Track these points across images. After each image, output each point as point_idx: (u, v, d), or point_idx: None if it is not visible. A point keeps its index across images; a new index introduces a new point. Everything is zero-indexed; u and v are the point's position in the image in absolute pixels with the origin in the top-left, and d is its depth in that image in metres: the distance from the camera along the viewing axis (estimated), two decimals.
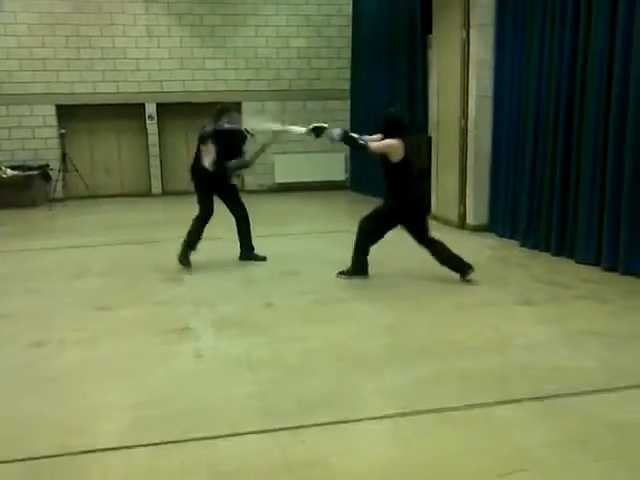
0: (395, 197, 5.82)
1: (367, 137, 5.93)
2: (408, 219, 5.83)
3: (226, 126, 6.45)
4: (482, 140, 8.21)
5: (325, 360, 4.02)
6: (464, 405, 3.33)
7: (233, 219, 6.88)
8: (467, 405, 3.33)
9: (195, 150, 6.71)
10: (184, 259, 6.48)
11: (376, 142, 5.73)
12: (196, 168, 6.60)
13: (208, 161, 6.44)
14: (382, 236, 5.92)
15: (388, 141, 5.65)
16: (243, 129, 6.66)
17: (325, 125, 5.90)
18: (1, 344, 4.47)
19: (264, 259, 6.86)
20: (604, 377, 3.67)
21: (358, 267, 5.96)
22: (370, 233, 5.89)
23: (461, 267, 5.78)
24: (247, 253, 6.91)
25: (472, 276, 5.76)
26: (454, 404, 3.35)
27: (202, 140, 6.50)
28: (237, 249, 6.91)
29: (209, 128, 6.51)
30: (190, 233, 6.53)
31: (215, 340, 4.44)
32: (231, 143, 6.54)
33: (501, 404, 3.34)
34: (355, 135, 5.96)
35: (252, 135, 6.69)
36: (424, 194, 6.12)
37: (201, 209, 6.61)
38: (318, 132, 5.87)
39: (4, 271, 6.78)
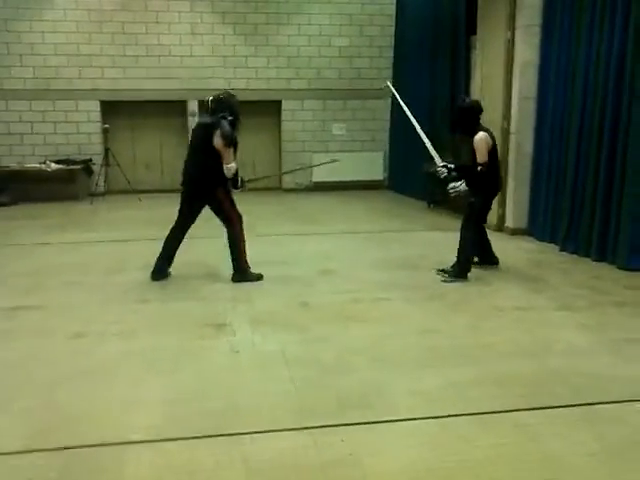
0: (483, 192, 6.01)
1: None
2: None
3: (227, 121, 5.67)
4: (524, 142, 8.10)
5: (361, 360, 4.02)
6: (499, 410, 3.30)
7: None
8: (502, 410, 3.30)
9: (194, 151, 5.95)
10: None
11: (478, 156, 5.87)
12: (204, 173, 5.81)
13: (232, 165, 5.76)
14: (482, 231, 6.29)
15: (481, 143, 5.84)
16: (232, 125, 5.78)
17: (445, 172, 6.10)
18: (42, 335, 4.58)
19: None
20: None
21: (465, 268, 5.99)
22: (474, 231, 6.09)
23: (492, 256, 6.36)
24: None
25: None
26: (489, 409, 3.32)
27: (229, 140, 5.65)
28: (272, 247, 6.90)
29: (227, 126, 5.66)
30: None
31: (251, 337, 4.48)
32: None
33: (537, 410, 3.31)
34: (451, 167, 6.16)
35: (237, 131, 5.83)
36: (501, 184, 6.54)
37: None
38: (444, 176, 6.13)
39: (46, 264, 6.94)
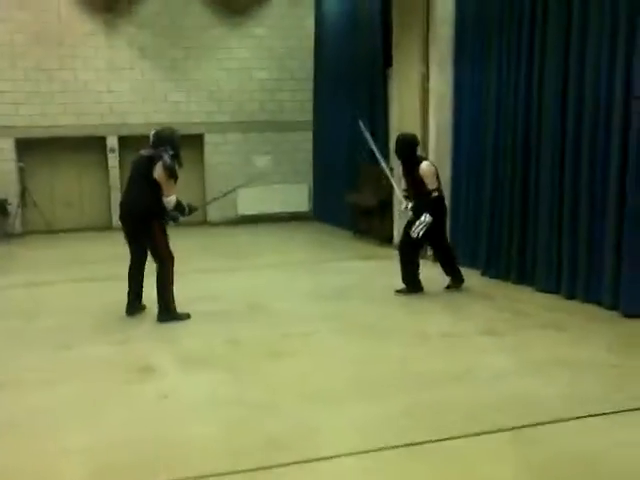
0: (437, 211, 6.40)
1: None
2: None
3: (169, 154, 5.65)
4: (441, 170, 8.21)
5: (291, 397, 3.99)
6: (433, 439, 3.33)
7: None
8: (435, 439, 3.33)
9: (134, 183, 5.88)
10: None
11: (428, 183, 6.26)
12: (143, 205, 5.75)
13: (172, 197, 5.74)
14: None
15: (429, 171, 6.30)
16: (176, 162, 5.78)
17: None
18: None
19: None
20: (569, 406, 3.71)
21: (413, 286, 6.47)
22: (416, 252, 6.57)
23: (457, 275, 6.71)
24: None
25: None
26: (422, 438, 3.34)
27: (170, 172, 5.63)
28: (200, 282, 6.81)
29: (168, 158, 5.63)
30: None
31: (179, 379, 4.38)
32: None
33: (469, 437, 3.35)
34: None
35: (180, 166, 5.80)
36: None
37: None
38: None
39: None
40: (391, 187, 6.79)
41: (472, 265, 7.72)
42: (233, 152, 13.84)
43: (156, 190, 5.68)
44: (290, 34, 13.94)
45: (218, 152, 13.79)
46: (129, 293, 6.02)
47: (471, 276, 7.41)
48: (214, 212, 13.44)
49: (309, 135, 13.89)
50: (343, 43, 11.82)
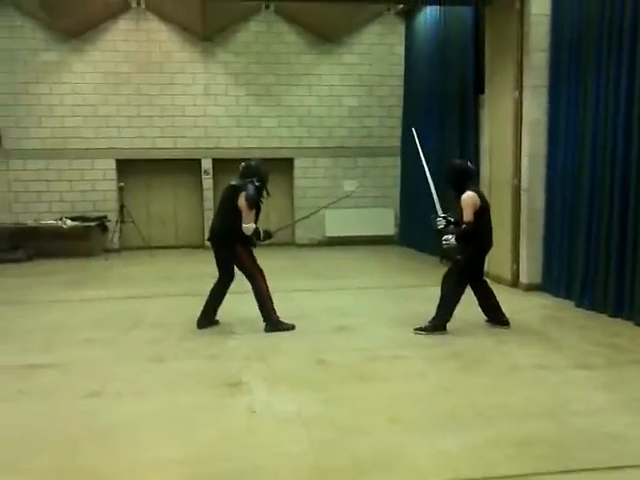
0: (469, 250, 6.04)
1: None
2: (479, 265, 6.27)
3: (254, 186, 6.13)
4: (535, 198, 8.16)
5: (379, 420, 3.97)
6: (519, 474, 3.24)
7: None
8: (522, 474, 3.24)
9: (222, 209, 6.37)
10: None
11: (464, 214, 5.94)
12: (228, 230, 6.22)
13: (250, 225, 6.14)
14: (466, 285, 6.15)
15: (467, 202, 5.90)
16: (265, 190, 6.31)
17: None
18: (58, 394, 4.57)
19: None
20: None
21: (440, 323, 6.07)
22: (457, 289, 6.06)
23: (500, 317, 6.28)
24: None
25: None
26: (508, 472, 3.26)
27: (251, 203, 6.09)
28: (287, 302, 6.90)
29: (252, 189, 6.11)
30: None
31: (268, 396, 4.45)
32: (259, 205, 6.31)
33: (557, 474, 3.24)
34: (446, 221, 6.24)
35: (269, 196, 6.36)
36: (491, 245, 6.32)
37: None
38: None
39: (61, 320, 6.97)
40: (434, 205, 6.58)
41: (567, 296, 7.50)
42: (322, 176, 14.08)
43: (238, 217, 6.14)
44: (380, 61, 14.11)
45: (307, 176, 14.06)
46: (205, 307, 6.42)
47: (565, 307, 7.21)
48: (301, 233, 13.69)
49: (397, 160, 13.94)
50: (434, 70, 11.84)
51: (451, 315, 6.09)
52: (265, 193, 6.32)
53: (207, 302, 6.44)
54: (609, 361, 5.17)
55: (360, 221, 13.87)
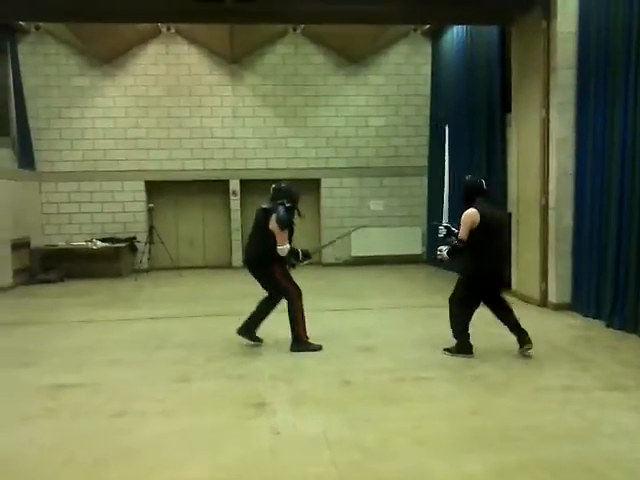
0: (468, 268, 5.92)
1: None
2: (483, 290, 5.94)
3: (284, 207, 6.18)
4: (563, 217, 8.08)
5: (404, 443, 3.94)
6: None
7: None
8: None
9: (255, 232, 6.47)
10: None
11: (461, 230, 5.80)
12: (262, 253, 6.30)
13: (285, 246, 6.20)
14: (472, 308, 5.95)
15: (464, 219, 5.76)
16: (297, 210, 6.40)
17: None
18: (86, 414, 4.64)
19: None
20: None
21: (461, 345, 5.95)
22: (459, 308, 5.94)
23: (521, 337, 5.89)
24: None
25: (530, 352, 5.85)
26: None
27: (282, 225, 6.14)
28: (313, 322, 6.90)
29: (282, 211, 6.17)
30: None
31: (292, 417, 4.44)
32: (292, 226, 6.38)
33: None
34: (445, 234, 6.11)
35: (300, 217, 6.43)
36: (500, 268, 6.06)
37: (291, 290, 6.37)
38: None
39: (90, 341, 7.06)
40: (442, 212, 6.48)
41: (596, 315, 7.38)
42: (348, 196, 14.12)
43: (271, 239, 6.21)
44: (406, 82, 14.17)
45: (334, 196, 14.11)
46: (250, 317, 6.48)
47: (595, 326, 7.09)
48: (328, 253, 13.70)
49: (424, 180, 13.93)
50: (460, 89, 11.85)
51: (466, 335, 5.94)
52: (297, 214, 6.41)
53: (252, 313, 6.50)
54: None
55: (387, 240, 13.84)
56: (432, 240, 13.51)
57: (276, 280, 6.35)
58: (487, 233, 5.74)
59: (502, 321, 6.00)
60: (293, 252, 6.34)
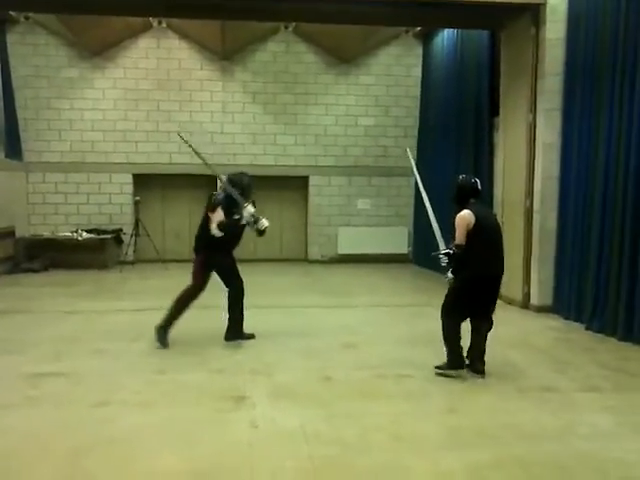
0: (462, 275, 5.38)
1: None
2: (479, 294, 5.39)
3: (233, 195, 6.20)
4: (547, 220, 8.17)
5: (382, 439, 3.98)
6: None
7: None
8: None
9: (203, 218, 6.44)
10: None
11: (456, 235, 5.34)
12: (197, 238, 6.49)
13: (216, 232, 6.11)
14: (466, 316, 5.45)
15: (458, 222, 5.33)
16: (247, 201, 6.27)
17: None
18: (65, 403, 4.64)
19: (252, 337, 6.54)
20: None
21: (453, 359, 5.38)
22: (450, 318, 5.42)
23: (476, 363, 5.45)
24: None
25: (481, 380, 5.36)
26: None
27: (211, 207, 6.23)
28: (296, 318, 6.94)
29: (219, 195, 6.38)
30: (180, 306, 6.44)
31: (271, 411, 4.47)
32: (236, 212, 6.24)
33: None
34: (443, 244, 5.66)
35: (255, 207, 6.29)
36: (496, 271, 5.48)
37: (195, 283, 6.46)
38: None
39: (73, 331, 7.05)
40: (430, 226, 5.98)
41: (577, 318, 7.48)
42: (336, 194, 14.14)
43: (208, 225, 6.21)
44: (396, 83, 14.22)
45: (322, 194, 14.12)
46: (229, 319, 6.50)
47: (575, 329, 7.19)
48: (314, 250, 13.75)
49: (411, 180, 13.95)
50: (450, 91, 11.90)
51: (457, 348, 5.39)
52: (252, 204, 6.28)
53: (228, 318, 6.49)
54: (617, 385, 5.14)
55: (373, 239, 13.91)
56: (418, 240, 13.61)
57: (194, 267, 6.42)
58: (483, 235, 5.32)
59: (472, 342, 5.49)
60: (221, 225, 6.07)
